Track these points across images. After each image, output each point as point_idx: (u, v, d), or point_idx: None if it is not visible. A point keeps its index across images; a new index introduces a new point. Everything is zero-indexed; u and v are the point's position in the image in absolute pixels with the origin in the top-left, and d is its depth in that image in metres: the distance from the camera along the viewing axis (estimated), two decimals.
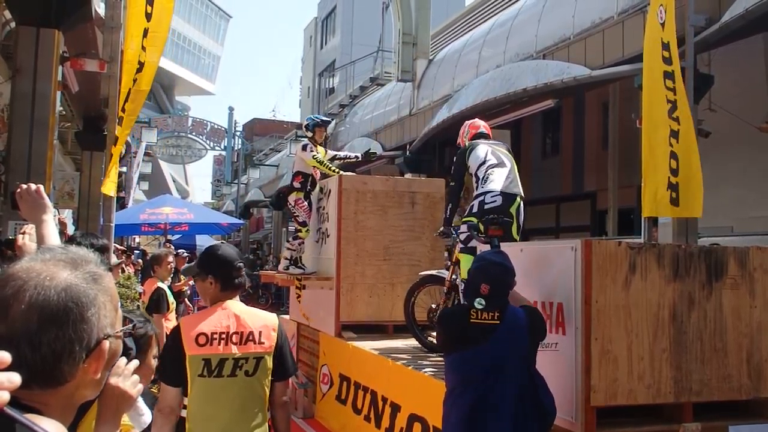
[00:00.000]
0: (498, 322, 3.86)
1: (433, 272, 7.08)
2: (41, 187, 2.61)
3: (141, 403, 1.96)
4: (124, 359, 1.78)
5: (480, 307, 3.86)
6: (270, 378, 3.41)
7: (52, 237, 2.54)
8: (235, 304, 3.52)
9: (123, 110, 7.68)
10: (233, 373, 3.36)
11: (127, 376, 1.74)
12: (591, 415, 4.15)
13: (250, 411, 3.36)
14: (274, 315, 3.59)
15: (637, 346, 4.30)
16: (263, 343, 3.41)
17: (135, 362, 1.80)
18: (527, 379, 3.90)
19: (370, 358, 7.03)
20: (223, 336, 3.38)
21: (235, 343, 3.38)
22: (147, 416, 2.06)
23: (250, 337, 3.40)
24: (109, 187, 9.00)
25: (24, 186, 2.59)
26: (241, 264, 3.61)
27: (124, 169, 21.58)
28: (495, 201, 5.73)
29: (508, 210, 5.73)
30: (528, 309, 4.17)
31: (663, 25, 7.07)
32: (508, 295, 4.05)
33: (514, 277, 4.05)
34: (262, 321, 3.49)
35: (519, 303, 4.16)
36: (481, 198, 5.81)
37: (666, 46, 7.04)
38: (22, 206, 2.61)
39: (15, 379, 1.04)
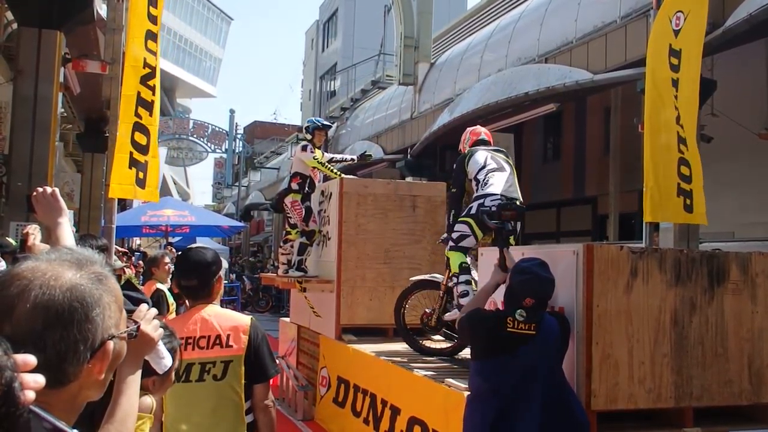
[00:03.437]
0: (534, 333, 3.85)
1: (425, 277, 7.06)
2: (56, 190, 2.66)
3: (162, 347, 2.00)
4: (145, 305, 1.83)
5: (521, 319, 3.82)
6: (243, 381, 3.32)
7: (68, 239, 2.57)
8: (209, 308, 3.44)
9: (138, 116, 7.44)
10: (201, 377, 3.30)
11: (148, 320, 1.78)
12: (592, 420, 4.14)
13: (221, 416, 3.29)
14: (248, 317, 3.47)
15: (638, 350, 4.30)
16: (231, 346, 3.32)
17: (154, 310, 1.84)
18: (556, 389, 3.89)
19: (370, 361, 7.03)
20: (190, 340, 3.31)
21: (202, 348, 3.32)
22: (168, 359, 2.07)
23: (217, 341, 3.33)
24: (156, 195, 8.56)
25: (40, 189, 2.64)
26: (215, 267, 3.49)
27: None
28: (495, 204, 5.71)
29: (518, 222, 5.72)
30: (559, 318, 4.16)
31: (677, 32, 6.99)
32: (546, 307, 4.04)
33: (554, 288, 4.03)
34: (231, 323, 3.39)
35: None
36: (481, 201, 5.78)
37: (676, 53, 6.98)
38: (38, 209, 2.64)
39: (40, 380, 1.06)
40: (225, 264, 5.00)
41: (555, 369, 3.96)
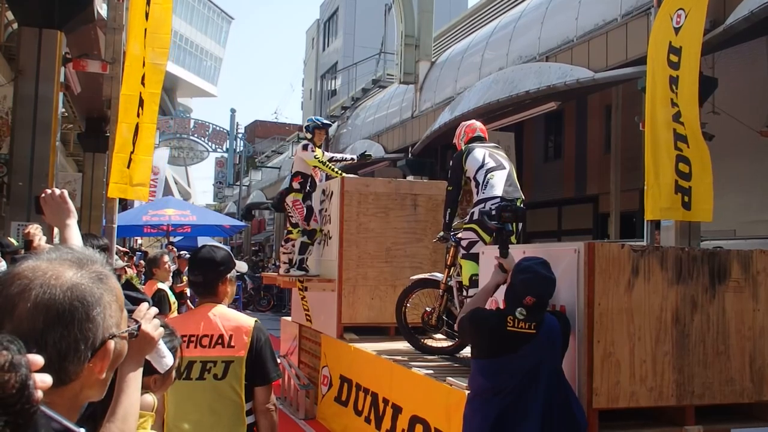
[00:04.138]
0: (535, 332, 3.84)
1: (425, 276, 7.07)
2: (65, 191, 2.66)
3: (162, 345, 2.01)
4: (145, 304, 1.84)
5: (521, 317, 3.82)
6: (244, 382, 3.32)
7: (76, 240, 2.57)
8: (215, 308, 3.45)
9: (137, 115, 7.46)
10: (201, 376, 3.31)
11: (148, 319, 1.78)
12: (593, 418, 4.15)
13: (221, 415, 3.30)
14: (252, 319, 3.47)
15: (640, 349, 4.30)
16: (233, 346, 3.33)
17: (154, 309, 1.84)
18: (557, 388, 3.89)
19: (372, 360, 7.03)
20: (192, 339, 3.33)
21: (204, 346, 3.33)
22: (169, 358, 2.08)
23: (219, 340, 3.34)
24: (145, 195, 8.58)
25: (48, 191, 2.64)
26: (224, 267, 3.50)
27: None
28: (494, 207, 5.72)
29: (519, 223, 5.72)
30: (560, 317, 4.15)
31: (678, 29, 6.99)
32: (547, 306, 4.04)
33: (555, 287, 4.03)
34: (234, 324, 3.39)
35: None
36: (482, 205, 5.80)
37: (676, 51, 6.99)
38: (46, 211, 2.65)
39: (47, 380, 1.07)
40: (244, 267, 4.92)
41: (556, 368, 3.95)
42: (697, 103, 6.97)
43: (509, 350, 3.86)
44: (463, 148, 6.36)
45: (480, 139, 6.52)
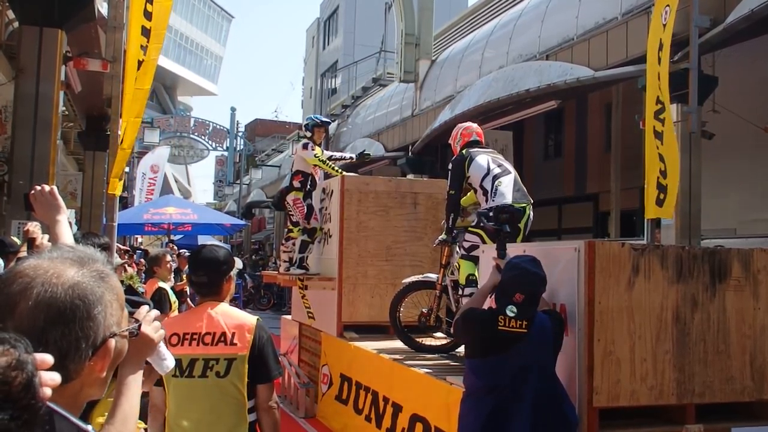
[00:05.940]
0: (526, 331, 3.84)
1: (418, 278, 7.03)
2: (55, 188, 2.67)
3: (163, 347, 2.01)
4: (146, 307, 1.84)
5: (511, 315, 3.82)
6: (246, 380, 3.33)
7: (66, 237, 2.58)
8: (217, 306, 3.45)
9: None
10: (204, 373, 3.32)
11: (148, 322, 1.78)
12: (593, 416, 4.15)
13: (222, 413, 3.31)
14: (254, 318, 3.48)
15: (640, 347, 4.30)
16: (235, 344, 3.33)
17: (155, 312, 1.85)
18: (549, 387, 3.89)
19: (372, 359, 7.03)
20: (195, 336, 3.34)
21: (207, 344, 3.33)
22: (170, 361, 2.08)
23: (222, 338, 3.34)
24: (115, 187, 8.80)
25: (38, 187, 2.65)
26: (226, 266, 3.51)
27: (127, 168, 21.51)
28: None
29: (517, 225, 5.72)
30: (552, 315, 4.14)
31: (665, 26, 7.08)
32: (538, 304, 4.04)
33: (545, 284, 4.03)
34: (237, 322, 3.40)
35: (541, 306, 4.13)
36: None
37: (662, 47, 7.07)
38: (36, 207, 2.66)
39: (56, 378, 1.08)
40: (239, 264, 5.05)
41: (548, 368, 3.95)
42: (667, 98, 7.06)
43: (501, 350, 3.86)
44: (462, 152, 6.29)
45: (477, 143, 6.45)
